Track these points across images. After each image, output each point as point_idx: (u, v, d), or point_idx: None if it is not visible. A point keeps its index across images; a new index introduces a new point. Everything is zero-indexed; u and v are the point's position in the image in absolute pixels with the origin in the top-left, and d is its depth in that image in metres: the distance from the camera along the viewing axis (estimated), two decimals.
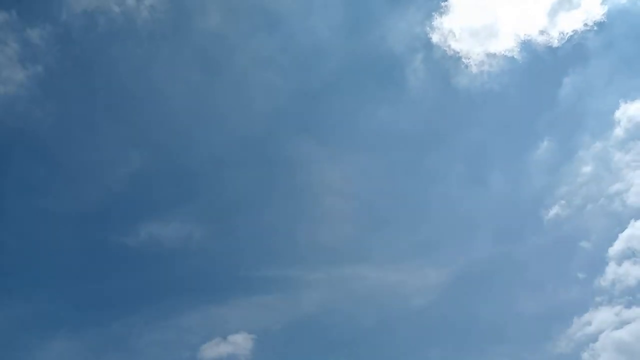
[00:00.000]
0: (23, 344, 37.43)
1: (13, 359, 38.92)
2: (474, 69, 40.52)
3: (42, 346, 36.38)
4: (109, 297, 40.18)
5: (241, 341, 39.29)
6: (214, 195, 42.76)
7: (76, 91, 40.98)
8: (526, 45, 39.99)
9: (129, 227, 41.16)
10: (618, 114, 39.09)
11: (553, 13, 39.93)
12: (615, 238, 35.82)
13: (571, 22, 39.53)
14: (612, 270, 35.24)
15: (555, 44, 39.73)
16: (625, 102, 39.08)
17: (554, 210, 38.04)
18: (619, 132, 38.89)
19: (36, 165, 40.27)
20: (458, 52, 40.19)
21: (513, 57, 40.22)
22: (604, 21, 39.49)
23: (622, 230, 35.82)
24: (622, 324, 33.25)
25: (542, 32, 39.87)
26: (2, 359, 39.01)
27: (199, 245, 41.74)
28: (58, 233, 40.86)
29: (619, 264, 35.22)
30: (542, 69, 41.59)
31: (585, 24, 39.40)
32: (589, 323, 34.14)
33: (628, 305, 33.73)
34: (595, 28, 39.53)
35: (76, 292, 39.85)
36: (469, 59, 40.13)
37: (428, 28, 40.47)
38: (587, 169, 39.16)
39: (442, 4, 39.90)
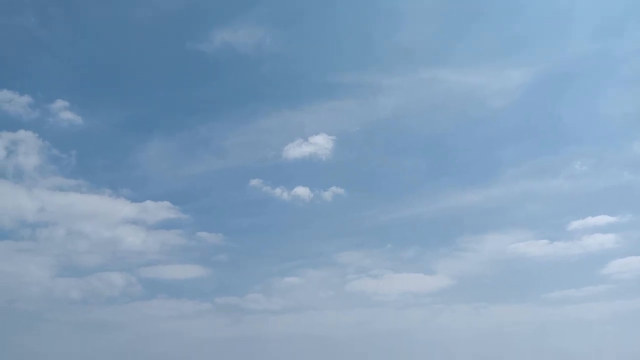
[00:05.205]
0: (123, 145, 41.27)
1: (117, 159, 43.40)
2: None
3: (140, 147, 40.17)
4: (194, 102, 42.34)
5: (322, 142, 41.20)
6: None
7: None
8: None
9: (202, 34, 41.09)
10: None
11: None
12: None
13: None
14: None
15: None
16: None
17: None
18: None
19: None
20: None
21: None
22: None
23: None
24: None
25: None
26: (106, 158, 43.58)
27: (271, 50, 41.38)
28: (138, 40, 41.67)
29: None
30: None
31: None
32: None
33: None
34: None
35: (164, 98, 42.17)
36: None
37: None
38: None
39: None
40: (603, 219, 33.35)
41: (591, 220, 32.77)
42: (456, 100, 38.91)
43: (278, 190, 39.07)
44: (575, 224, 32.77)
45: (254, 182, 38.69)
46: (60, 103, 42.78)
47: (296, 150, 39.19)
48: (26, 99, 41.41)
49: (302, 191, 40.28)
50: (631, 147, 34.27)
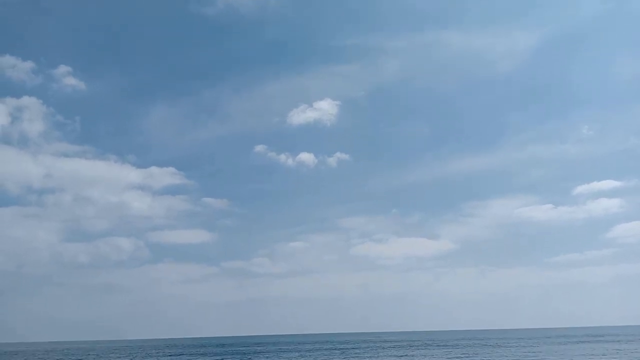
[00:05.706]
0: (127, 111, 40.87)
1: (121, 124, 43.09)
2: None
3: (144, 113, 39.91)
4: (197, 67, 41.94)
5: (326, 107, 40.95)
6: None
7: None
8: None
9: None
10: None
11: None
12: None
13: None
14: None
15: None
16: None
17: None
18: None
19: None
20: None
21: None
22: None
23: None
24: None
25: None
26: (111, 124, 43.41)
27: (275, 12, 40.56)
28: (140, 4, 40.91)
29: None
30: None
31: None
32: None
33: None
34: None
35: (168, 63, 41.74)
36: None
37: None
38: None
39: None
40: (608, 184, 33.21)
41: (596, 185, 32.65)
42: (462, 63, 38.22)
43: (283, 156, 39.25)
44: (580, 189, 32.72)
45: (259, 148, 38.83)
46: (63, 68, 42.28)
47: (301, 116, 39.08)
48: (29, 64, 41.14)
49: (306, 157, 40.41)
50: (639, 111, 33.75)
